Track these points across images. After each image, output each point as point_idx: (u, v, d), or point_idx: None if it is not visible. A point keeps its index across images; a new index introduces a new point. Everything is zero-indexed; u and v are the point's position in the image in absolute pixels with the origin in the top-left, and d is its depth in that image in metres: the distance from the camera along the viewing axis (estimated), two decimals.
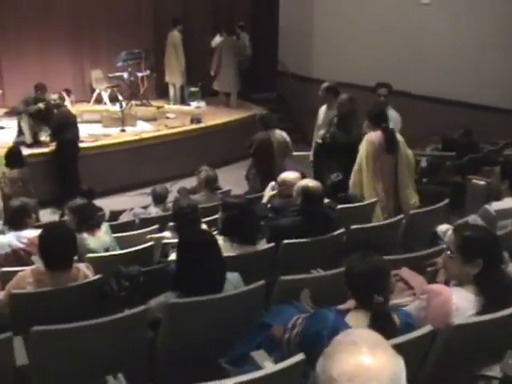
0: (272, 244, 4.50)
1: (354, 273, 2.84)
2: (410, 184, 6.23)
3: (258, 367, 2.77)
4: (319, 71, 12.92)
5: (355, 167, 6.13)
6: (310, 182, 4.94)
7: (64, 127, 9.25)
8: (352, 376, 1.36)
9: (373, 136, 6.05)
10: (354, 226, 4.87)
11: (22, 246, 4.80)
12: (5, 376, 3.10)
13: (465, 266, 2.95)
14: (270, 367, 2.64)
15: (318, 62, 13.32)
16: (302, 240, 4.60)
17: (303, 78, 13.59)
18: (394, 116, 7.17)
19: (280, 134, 8.10)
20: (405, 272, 3.47)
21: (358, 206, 5.79)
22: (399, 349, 1.49)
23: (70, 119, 9.42)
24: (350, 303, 2.88)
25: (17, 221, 5.04)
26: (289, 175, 5.73)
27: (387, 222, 5.30)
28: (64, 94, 10.33)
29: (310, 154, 7.97)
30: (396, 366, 1.41)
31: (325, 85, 7.88)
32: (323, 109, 7.91)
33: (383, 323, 2.67)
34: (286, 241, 4.54)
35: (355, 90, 8.87)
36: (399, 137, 6.21)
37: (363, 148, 6.07)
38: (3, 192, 8.13)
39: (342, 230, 4.78)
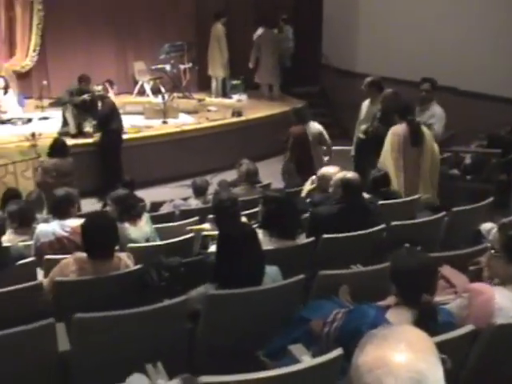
0: (312, 239, 4.49)
1: (401, 269, 2.81)
2: (432, 178, 6.20)
3: (296, 361, 2.77)
4: (363, 65, 12.77)
5: (380, 159, 6.14)
6: (348, 174, 4.95)
7: (109, 118, 9.39)
8: (372, 367, 1.39)
9: (398, 129, 6.11)
10: (394, 223, 4.83)
11: (65, 234, 4.89)
12: (49, 361, 3.17)
13: (509, 265, 2.90)
14: (308, 361, 2.64)
15: (363, 56, 13.16)
16: (341, 235, 4.58)
17: (346, 72, 13.48)
18: (438, 111, 7.10)
19: (314, 127, 8.08)
20: (446, 270, 3.43)
21: (399, 202, 5.74)
22: (439, 348, 1.48)
23: (114, 111, 9.54)
24: (391, 300, 2.86)
25: (61, 210, 5.11)
26: (328, 170, 5.73)
27: (429, 219, 5.24)
28: (107, 86, 10.45)
29: (352, 148, 7.93)
30: (422, 366, 1.39)
31: (368, 79, 7.82)
32: (366, 103, 7.85)
33: (429, 321, 2.64)
34: (325, 235, 4.52)
35: (400, 86, 8.77)
36: (426, 130, 6.19)
37: (388, 140, 6.12)
38: (37, 181, 8.31)
39: (382, 226, 4.74)
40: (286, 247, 4.31)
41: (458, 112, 8.22)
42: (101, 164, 9.51)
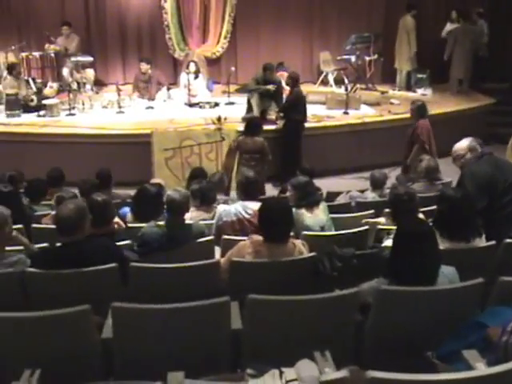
0: (492, 242, 4.27)
1: None
2: None
3: (469, 367, 2.66)
4: None
5: None
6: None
7: (295, 107, 9.51)
8: None
9: None
10: None
11: (247, 216, 5.06)
12: (222, 337, 3.31)
13: None
14: (482, 369, 2.53)
15: None
16: None
17: None
18: None
19: None
20: None
21: None
22: None
23: (301, 100, 9.64)
24: None
25: (247, 192, 5.30)
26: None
27: None
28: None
29: None
30: None
31: None
32: None
33: None
34: (507, 240, 4.29)
35: None
36: None
37: None
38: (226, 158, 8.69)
39: None
40: (459, 248, 4.14)
41: None
42: (282, 151, 9.67)
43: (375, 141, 10.51)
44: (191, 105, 11.41)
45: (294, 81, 9.66)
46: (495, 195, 4.74)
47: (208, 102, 11.45)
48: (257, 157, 8.36)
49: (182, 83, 11.79)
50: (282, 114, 9.66)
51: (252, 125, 8.59)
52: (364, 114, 11.19)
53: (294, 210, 5.19)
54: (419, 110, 8.54)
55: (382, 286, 3.33)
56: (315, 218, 5.27)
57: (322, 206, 5.45)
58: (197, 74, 11.77)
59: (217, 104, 11.48)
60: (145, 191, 5.44)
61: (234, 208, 5.17)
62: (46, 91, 11.76)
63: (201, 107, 11.27)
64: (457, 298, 3.37)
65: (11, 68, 11.32)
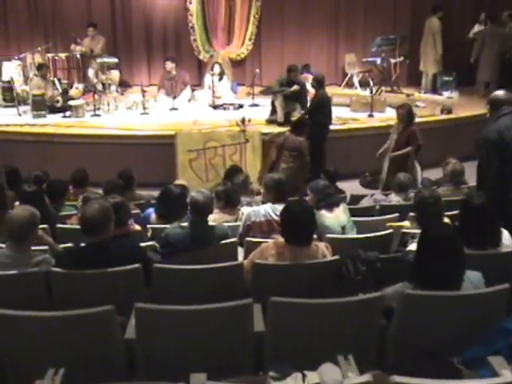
0: None
1: None
2: None
3: (495, 374, 2.63)
4: None
5: None
6: None
7: (320, 109, 9.48)
8: None
9: None
10: None
11: (276, 218, 5.08)
12: (244, 339, 3.31)
13: None
14: (508, 376, 2.51)
15: None
16: None
17: None
18: None
19: None
20: None
21: None
22: None
23: (327, 102, 9.61)
24: None
25: (276, 193, 5.36)
26: None
27: None
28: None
29: None
30: None
31: None
32: None
33: None
34: None
35: None
36: None
37: None
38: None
39: None
40: (485, 253, 4.09)
41: None
42: None
43: None
44: (215, 106, 11.45)
45: (319, 83, 9.64)
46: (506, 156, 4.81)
47: (232, 104, 11.50)
48: (295, 155, 8.54)
49: (207, 85, 11.84)
50: (307, 117, 9.66)
51: (300, 124, 8.80)
52: (389, 116, 11.13)
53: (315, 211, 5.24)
54: (409, 114, 8.41)
55: (406, 291, 3.32)
56: (336, 218, 5.28)
57: (342, 206, 5.46)
58: (221, 75, 11.83)
59: (241, 106, 11.51)
60: (169, 192, 5.48)
61: (263, 209, 5.24)
62: (72, 92, 11.87)
63: (225, 109, 11.32)
64: (482, 304, 3.34)
65: (39, 68, 11.47)
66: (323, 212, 5.29)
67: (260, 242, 4.42)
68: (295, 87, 10.21)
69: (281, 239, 4.16)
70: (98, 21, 13.06)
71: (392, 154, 8.39)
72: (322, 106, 9.49)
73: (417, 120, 10.88)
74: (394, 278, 3.62)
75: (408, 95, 13.03)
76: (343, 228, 5.29)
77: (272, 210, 5.17)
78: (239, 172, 7.14)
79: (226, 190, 5.75)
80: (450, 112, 11.39)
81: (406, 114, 8.38)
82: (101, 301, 3.17)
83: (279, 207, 5.04)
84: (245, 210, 5.42)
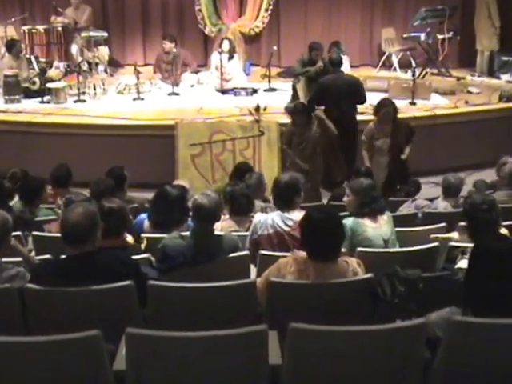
0: None
1: None
2: None
3: None
4: None
5: None
6: None
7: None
8: None
9: None
10: None
11: (286, 228, 5.05)
12: (257, 372, 3.30)
13: None
14: None
15: None
16: None
17: None
18: None
19: None
20: None
21: None
22: None
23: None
24: None
25: (284, 198, 5.27)
26: None
27: None
28: None
29: None
30: None
31: None
32: None
33: None
34: None
35: None
36: None
37: None
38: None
39: None
40: None
41: None
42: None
43: (448, 138, 10.43)
44: (224, 91, 11.49)
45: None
46: None
47: (244, 88, 11.53)
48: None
49: (214, 65, 11.88)
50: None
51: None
52: (435, 104, 11.12)
53: (352, 219, 5.24)
54: (396, 109, 8.66)
55: (454, 317, 3.32)
56: (379, 229, 5.25)
57: (387, 215, 5.42)
58: (231, 53, 11.85)
59: (255, 91, 11.55)
60: (165, 194, 5.48)
61: (271, 219, 5.17)
62: (51, 73, 11.95)
63: (236, 94, 11.35)
64: None
65: (10, 45, 11.51)
66: (365, 220, 5.29)
67: (277, 257, 4.42)
68: (319, 64, 10.21)
69: (301, 253, 4.16)
70: None
71: (403, 157, 8.60)
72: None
73: (468, 109, 10.93)
74: (440, 302, 3.62)
75: (458, 79, 13.01)
76: (385, 242, 5.27)
77: (281, 220, 5.13)
78: (249, 171, 7.08)
79: (232, 192, 5.75)
80: (509, 99, 11.34)
81: (394, 111, 8.60)
82: (85, 324, 3.19)
83: (291, 215, 5.05)
84: (256, 219, 5.38)
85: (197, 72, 12.32)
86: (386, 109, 8.52)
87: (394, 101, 10.61)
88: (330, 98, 9.23)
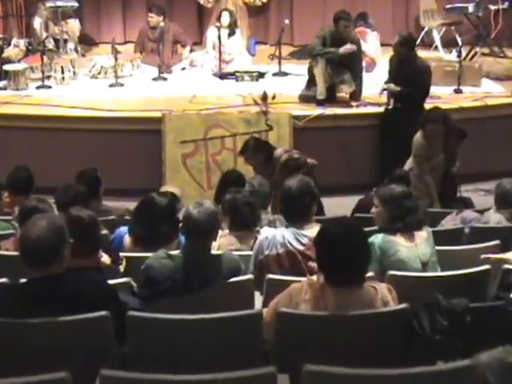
0: None
1: None
2: None
3: None
4: None
5: None
6: None
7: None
8: None
9: None
10: None
11: (300, 247, 5.04)
12: None
13: None
14: None
15: None
16: None
17: None
18: None
19: None
20: None
21: None
22: None
23: None
24: None
25: (299, 208, 5.25)
26: None
27: None
28: None
29: None
30: None
31: None
32: None
33: None
34: None
35: None
36: None
37: None
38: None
39: None
40: None
41: None
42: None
43: (503, 134, 10.44)
44: (223, 75, 11.52)
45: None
46: None
47: (248, 72, 11.55)
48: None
49: (210, 43, 11.91)
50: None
51: None
52: (486, 92, 11.11)
53: (381, 235, 5.22)
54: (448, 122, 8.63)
55: (510, 358, 3.32)
56: (415, 249, 5.22)
57: (427, 231, 5.38)
58: (232, 29, 11.88)
59: (261, 75, 11.58)
60: (150, 204, 5.50)
61: (281, 235, 5.15)
62: (9, 52, 11.94)
63: (237, 79, 11.38)
64: None
65: None
66: (397, 238, 5.26)
67: (288, 282, 4.42)
68: (348, 46, 10.11)
69: (318, 278, 4.17)
70: None
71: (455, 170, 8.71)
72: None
73: None
74: (492, 339, 3.62)
75: None
76: (424, 264, 5.22)
77: (294, 236, 5.11)
78: (240, 181, 7.03)
79: (233, 201, 5.76)
80: None
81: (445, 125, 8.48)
82: (51, 363, 3.20)
83: (306, 231, 5.04)
84: (267, 234, 5.36)
85: (190, 51, 12.32)
86: (433, 126, 8.41)
87: (435, 88, 10.63)
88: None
